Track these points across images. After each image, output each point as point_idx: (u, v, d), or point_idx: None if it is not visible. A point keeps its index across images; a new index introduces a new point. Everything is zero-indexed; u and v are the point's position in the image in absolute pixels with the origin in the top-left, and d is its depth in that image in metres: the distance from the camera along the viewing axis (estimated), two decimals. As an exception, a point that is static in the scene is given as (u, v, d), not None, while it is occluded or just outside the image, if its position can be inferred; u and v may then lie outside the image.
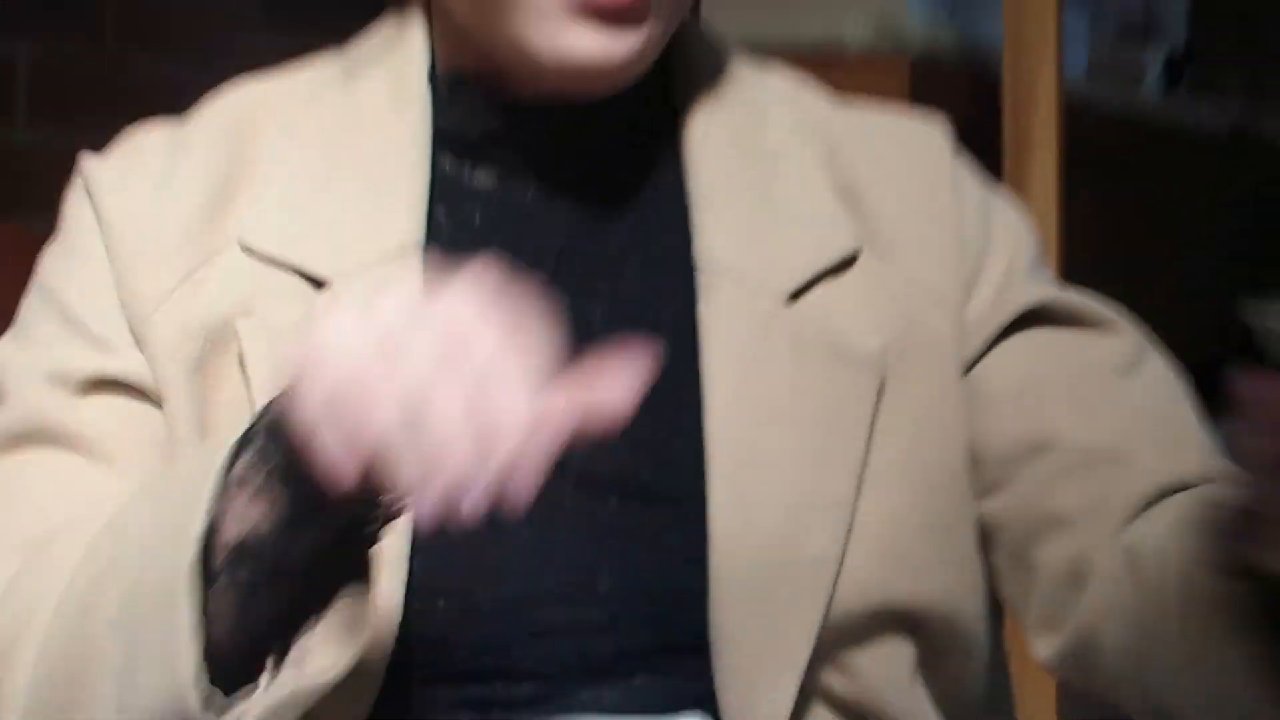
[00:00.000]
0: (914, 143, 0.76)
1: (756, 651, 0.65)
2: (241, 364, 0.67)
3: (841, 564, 0.65)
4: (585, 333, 0.64)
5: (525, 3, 0.66)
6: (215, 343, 0.68)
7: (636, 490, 0.67)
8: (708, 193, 0.72)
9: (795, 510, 0.66)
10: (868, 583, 0.65)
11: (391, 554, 0.63)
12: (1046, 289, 0.74)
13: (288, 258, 0.68)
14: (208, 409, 0.68)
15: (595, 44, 0.67)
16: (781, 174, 0.73)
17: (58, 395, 0.70)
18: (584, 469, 0.62)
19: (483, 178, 0.72)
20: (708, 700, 0.64)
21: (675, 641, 0.65)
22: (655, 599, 0.66)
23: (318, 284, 0.68)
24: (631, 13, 0.66)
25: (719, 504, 0.65)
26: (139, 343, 0.69)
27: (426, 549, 0.63)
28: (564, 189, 0.72)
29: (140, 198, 0.72)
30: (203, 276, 0.70)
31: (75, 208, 0.74)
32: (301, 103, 0.74)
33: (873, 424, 0.68)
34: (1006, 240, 0.74)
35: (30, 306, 0.74)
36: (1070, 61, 1.76)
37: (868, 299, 0.70)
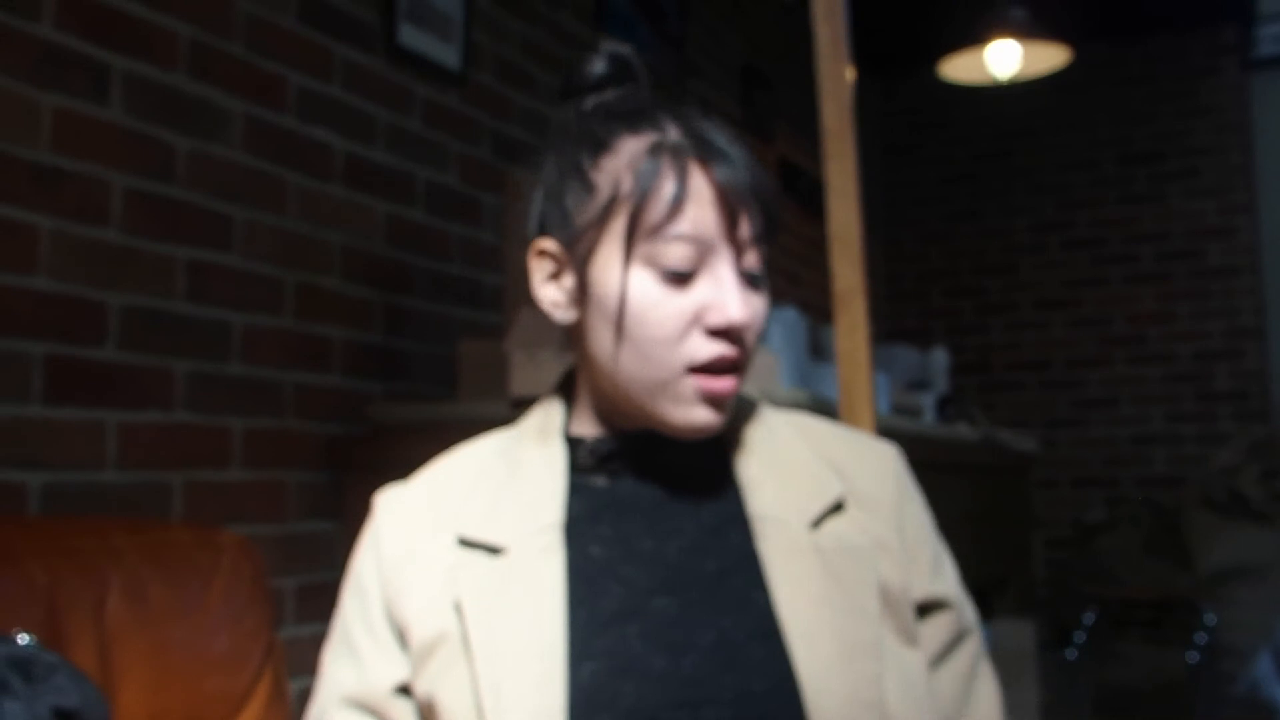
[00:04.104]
0: (876, 450, 0.87)
1: None
2: (458, 609, 0.78)
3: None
4: (670, 564, 0.79)
5: (672, 395, 0.80)
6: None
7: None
8: (749, 478, 0.84)
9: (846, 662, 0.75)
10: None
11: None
12: (938, 585, 0.84)
13: (484, 538, 0.82)
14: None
15: (708, 416, 0.81)
16: (788, 458, 0.85)
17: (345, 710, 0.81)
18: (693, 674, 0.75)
19: (599, 481, 0.85)
20: None
21: None
22: None
23: (498, 551, 0.81)
24: (728, 396, 0.81)
25: (802, 666, 0.74)
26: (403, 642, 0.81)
27: None
28: (649, 481, 0.85)
29: (403, 531, 0.85)
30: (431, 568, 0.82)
31: (369, 531, 0.86)
32: (492, 455, 0.89)
33: (879, 594, 0.77)
34: (921, 539, 0.85)
35: (346, 605, 0.86)
36: (880, 403, 1.82)
37: (856, 527, 0.82)
